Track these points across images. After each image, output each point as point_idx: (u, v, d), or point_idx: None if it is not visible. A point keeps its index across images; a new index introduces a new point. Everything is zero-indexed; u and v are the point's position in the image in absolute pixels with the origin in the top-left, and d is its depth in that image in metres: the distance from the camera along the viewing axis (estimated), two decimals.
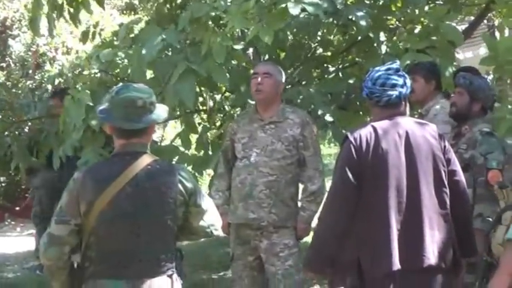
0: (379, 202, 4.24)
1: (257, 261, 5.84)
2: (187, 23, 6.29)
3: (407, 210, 4.25)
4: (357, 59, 7.41)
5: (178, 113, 7.34)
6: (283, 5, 5.82)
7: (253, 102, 6.17)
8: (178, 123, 9.31)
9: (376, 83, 4.40)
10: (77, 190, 3.78)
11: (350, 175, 4.25)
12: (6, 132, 8.66)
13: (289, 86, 7.02)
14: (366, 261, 4.24)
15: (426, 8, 7.14)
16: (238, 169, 5.77)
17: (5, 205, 13.62)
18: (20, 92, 12.53)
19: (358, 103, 7.25)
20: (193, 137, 7.60)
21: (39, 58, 13.80)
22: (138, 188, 3.77)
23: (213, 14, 6.23)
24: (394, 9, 7.18)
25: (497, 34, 10.76)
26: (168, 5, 8.01)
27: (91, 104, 6.40)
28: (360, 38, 7.03)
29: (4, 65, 14.06)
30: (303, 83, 7.21)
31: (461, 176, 4.47)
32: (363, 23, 6.32)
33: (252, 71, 5.81)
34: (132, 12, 11.63)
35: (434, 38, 6.51)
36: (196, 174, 7.00)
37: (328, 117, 6.62)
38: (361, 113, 7.21)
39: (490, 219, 4.99)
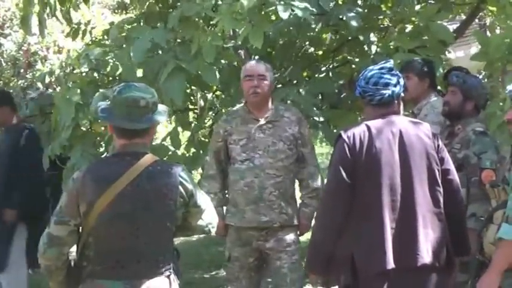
0: (373, 201, 4.23)
1: (255, 262, 5.79)
2: (177, 21, 6.28)
3: (401, 209, 4.24)
4: (348, 57, 7.41)
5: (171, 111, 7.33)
6: (273, 8, 5.82)
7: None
8: (169, 122, 9.30)
9: (369, 82, 4.39)
10: (77, 190, 3.77)
11: (344, 174, 4.24)
12: None
13: (280, 86, 7.01)
14: (360, 259, 4.23)
15: (417, 7, 7.14)
16: (241, 172, 5.66)
17: None
18: (11, 91, 12.49)
19: (350, 102, 7.25)
20: (184, 137, 7.59)
21: (31, 57, 13.76)
22: (138, 189, 3.75)
23: (204, 13, 6.22)
24: (384, 9, 7.19)
25: (488, 33, 10.78)
26: (159, 4, 8.00)
27: (81, 102, 6.39)
28: (350, 37, 7.03)
29: None
30: (294, 82, 7.20)
31: (455, 175, 4.46)
32: (353, 23, 6.32)
33: (244, 73, 5.71)
34: (124, 12, 11.58)
35: (425, 37, 6.51)
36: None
37: (318, 118, 6.62)
38: (356, 112, 7.18)
39: (483, 218, 4.99)
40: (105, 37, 8.00)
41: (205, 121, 7.95)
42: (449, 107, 5.58)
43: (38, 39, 13.37)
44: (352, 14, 6.33)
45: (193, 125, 7.70)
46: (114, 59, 6.73)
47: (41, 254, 3.82)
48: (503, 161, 5.09)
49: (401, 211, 4.24)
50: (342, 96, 7.41)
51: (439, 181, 4.36)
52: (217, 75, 6.27)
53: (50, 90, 10.21)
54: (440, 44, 6.60)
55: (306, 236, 5.67)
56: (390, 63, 4.48)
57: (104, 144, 7.07)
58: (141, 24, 7.38)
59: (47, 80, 9.27)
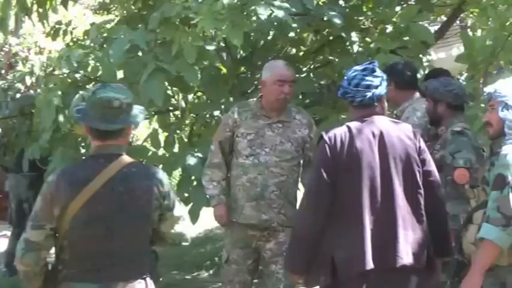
0: (353, 202, 4.24)
1: (253, 264, 5.74)
2: (157, 23, 6.26)
3: (381, 210, 4.25)
4: (330, 57, 7.41)
5: (152, 112, 7.32)
6: (253, 7, 5.82)
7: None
8: (151, 123, 9.28)
9: (351, 83, 4.39)
10: (51, 194, 3.73)
11: (325, 174, 4.25)
12: None
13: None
14: (340, 260, 4.23)
15: (398, 8, 7.16)
16: (245, 167, 5.58)
17: None
18: None
19: (331, 102, 7.25)
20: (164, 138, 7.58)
21: (12, 58, 13.70)
22: (112, 192, 3.71)
23: (184, 15, 6.20)
24: (365, 9, 7.20)
25: (470, 34, 10.81)
26: (140, 5, 7.98)
27: (61, 105, 6.36)
28: (332, 37, 7.03)
29: None
30: None
31: (436, 177, 4.45)
32: (337, 21, 6.32)
33: (275, 76, 5.56)
34: (106, 12, 11.55)
35: (406, 38, 6.53)
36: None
37: None
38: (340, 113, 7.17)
39: (459, 217, 5.11)
40: (86, 38, 7.98)
41: (186, 122, 7.93)
42: (428, 114, 5.64)
43: (19, 40, 13.34)
44: (334, 13, 6.32)
45: (172, 126, 7.68)
46: (94, 60, 6.70)
47: (18, 259, 3.77)
48: (482, 161, 5.11)
49: (381, 212, 4.25)
50: (323, 96, 7.41)
51: (420, 183, 4.36)
52: (199, 76, 6.25)
53: (32, 92, 10.19)
54: (421, 45, 6.61)
55: None
56: (374, 64, 4.47)
57: (85, 147, 7.04)
58: (122, 25, 7.34)
59: (28, 81, 9.24)
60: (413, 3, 7.56)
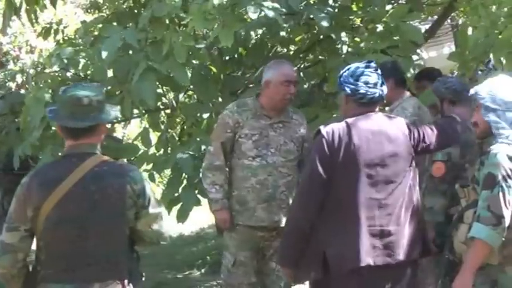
0: (349, 198, 4.27)
1: (257, 264, 5.69)
2: (147, 21, 6.25)
3: (377, 207, 4.30)
4: (320, 56, 7.41)
5: (143, 111, 7.30)
6: (243, 9, 5.83)
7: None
8: (142, 122, 9.28)
9: (358, 79, 4.42)
10: (24, 195, 3.72)
11: (321, 170, 4.26)
12: None
13: (252, 86, 7.01)
14: (333, 255, 4.25)
15: (389, 7, 7.15)
16: (253, 169, 5.52)
17: None
18: None
19: (321, 101, 7.25)
20: (157, 136, 7.56)
21: (3, 57, 13.68)
22: (84, 191, 3.69)
23: (174, 14, 6.20)
24: (355, 9, 7.20)
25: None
26: (131, 3, 7.96)
27: (51, 102, 6.33)
28: (321, 37, 7.03)
29: None
30: None
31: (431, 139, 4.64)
32: (324, 23, 6.32)
33: (281, 77, 5.56)
34: (97, 11, 11.52)
35: (396, 37, 6.53)
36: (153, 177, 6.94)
37: None
38: (331, 112, 7.17)
39: (434, 209, 5.28)
40: (77, 36, 7.96)
41: (177, 121, 7.93)
42: (441, 114, 5.70)
43: (10, 39, 13.32)
44: (322, 15, 6.32)
45: (163, 125, 7.68)
46: (85, 59, 6.68)
47: None
48: (472, 160, 5.12)
49: (376, 209, 4.29)
50: (313, 95, 7.40)
51: (415, 179, 4.46)
52: (189, 76, 6.24)
53: (23, 90, 10.16)
54: (411, 44, 6.62)
55: None
56: (374, 63, 4.52)
57: None
58: (113, 23, 7.33)
59: (19, 79, 9.22)
60: (403, 2, 7.57)
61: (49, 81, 7.18)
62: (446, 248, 4.46)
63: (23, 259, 3.77)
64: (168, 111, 7.85)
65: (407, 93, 6.06)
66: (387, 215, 4.31)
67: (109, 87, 6.67)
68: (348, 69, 4.51)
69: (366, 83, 4.41)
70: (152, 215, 3.84)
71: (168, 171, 7.26)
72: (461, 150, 5.30)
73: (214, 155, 5.61)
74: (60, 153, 6.45)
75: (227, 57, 7.33)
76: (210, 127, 6.57)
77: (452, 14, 9.53)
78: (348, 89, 4.45)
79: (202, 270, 9.39)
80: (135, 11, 7.61)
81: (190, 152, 6.52)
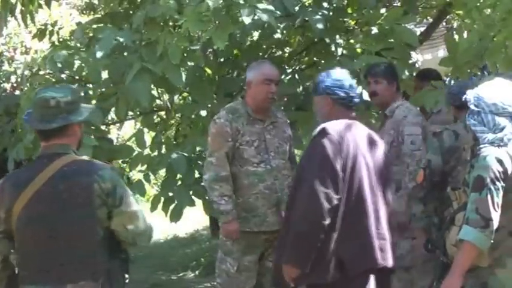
0: (358, 199, 4.29)
1: (258, 266, 5.66)
2: (141, 22, 6.26)
3: (378, 210, 4.37)
4: (315, 59, 7.42)
5: (137, 113, 7.32)
6: (237, 11, 5.84)
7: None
8: (136, 124, 9.28)
9: (346, 83, 4.50)
10: None
11: (338, 167, 4.23)
12: None
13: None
14: (349, 256, 4.27)
15: (383, 10, 7.17)
16: (259, 175, 5.47)
17: None
18: None
19: None
20: (151, 137, 7.58)
21: None
22: (53, 190, 3.68)
23: (168, 15, 6.21)
24: (350, 11, 7.21)
25: (456, 36, 10.83)
26: (126, 4, 7.97)
27: None
28: (316, 39, 7.05)
29: None
30: None
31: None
32: (319, 26, 6.33)
33: (262, 76, 5.55)
34: (92, 12, 11.53)
35: (391, 40, 6.54)
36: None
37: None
38: None
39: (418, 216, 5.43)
40: (72, 38, 7.96)
41: (172, 122, 7.94)
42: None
43: (4, 40, 13.31)
44: (317, 17, 6.34)
45: (158, 126, 7.69)
46: (80, 61, 6.69)
47: None
48: (462, 163, 5.15)
49: (377, 211, 4.37)
50: (308, 98, 7.41)
51: (390, 183, 4.61)
52: (184, 77, 6.25)
53: (17, 91, 10.16)
54: (406, 47, 6.63)
55: None
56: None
57: None
58: (107, 24, 7.33)
59: (14, 80, 9.21)
60: (398, 5, 7.58)
61: (43, 82, 7.17)
62: (440, 251, 4.48)
63: (1, 261, 3.78)
64: (162, 113, 7.86)
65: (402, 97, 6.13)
66: (380, 218, 4.37)
67: (103, 89, 6.69)
68: (329, 74, 4.57)
69: (351, 87, 4.51)
70: (125, 215, 3.76)
71: (163, 173, 7.27)
72: (444, 156, 5.32)
73: (219, 166, 5.49)
74: None
75: (222, 59, 7.33)
76: (205, 128, 6.56)
77: (447, 17, 9.56)
78: (341, 93, 4.48)
79: (197, 272, 9.40)
80: (130, 12, 7.62)
81: (185, 154, 6.53)
